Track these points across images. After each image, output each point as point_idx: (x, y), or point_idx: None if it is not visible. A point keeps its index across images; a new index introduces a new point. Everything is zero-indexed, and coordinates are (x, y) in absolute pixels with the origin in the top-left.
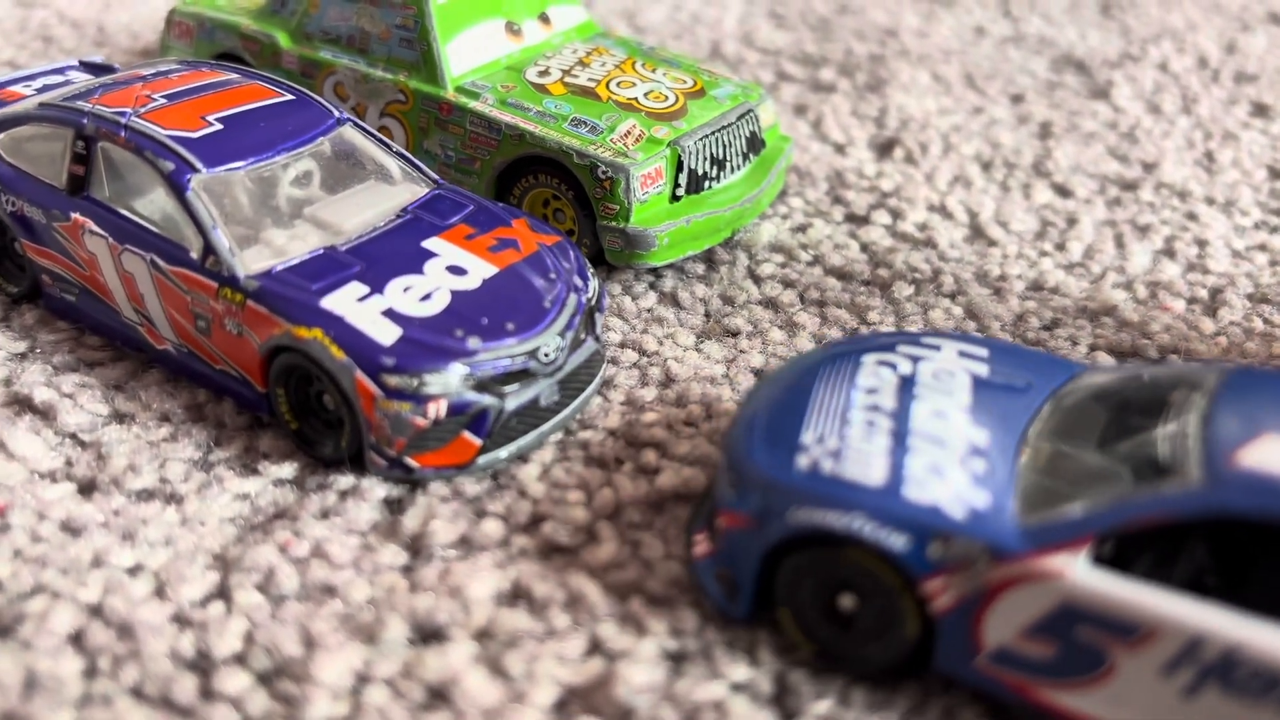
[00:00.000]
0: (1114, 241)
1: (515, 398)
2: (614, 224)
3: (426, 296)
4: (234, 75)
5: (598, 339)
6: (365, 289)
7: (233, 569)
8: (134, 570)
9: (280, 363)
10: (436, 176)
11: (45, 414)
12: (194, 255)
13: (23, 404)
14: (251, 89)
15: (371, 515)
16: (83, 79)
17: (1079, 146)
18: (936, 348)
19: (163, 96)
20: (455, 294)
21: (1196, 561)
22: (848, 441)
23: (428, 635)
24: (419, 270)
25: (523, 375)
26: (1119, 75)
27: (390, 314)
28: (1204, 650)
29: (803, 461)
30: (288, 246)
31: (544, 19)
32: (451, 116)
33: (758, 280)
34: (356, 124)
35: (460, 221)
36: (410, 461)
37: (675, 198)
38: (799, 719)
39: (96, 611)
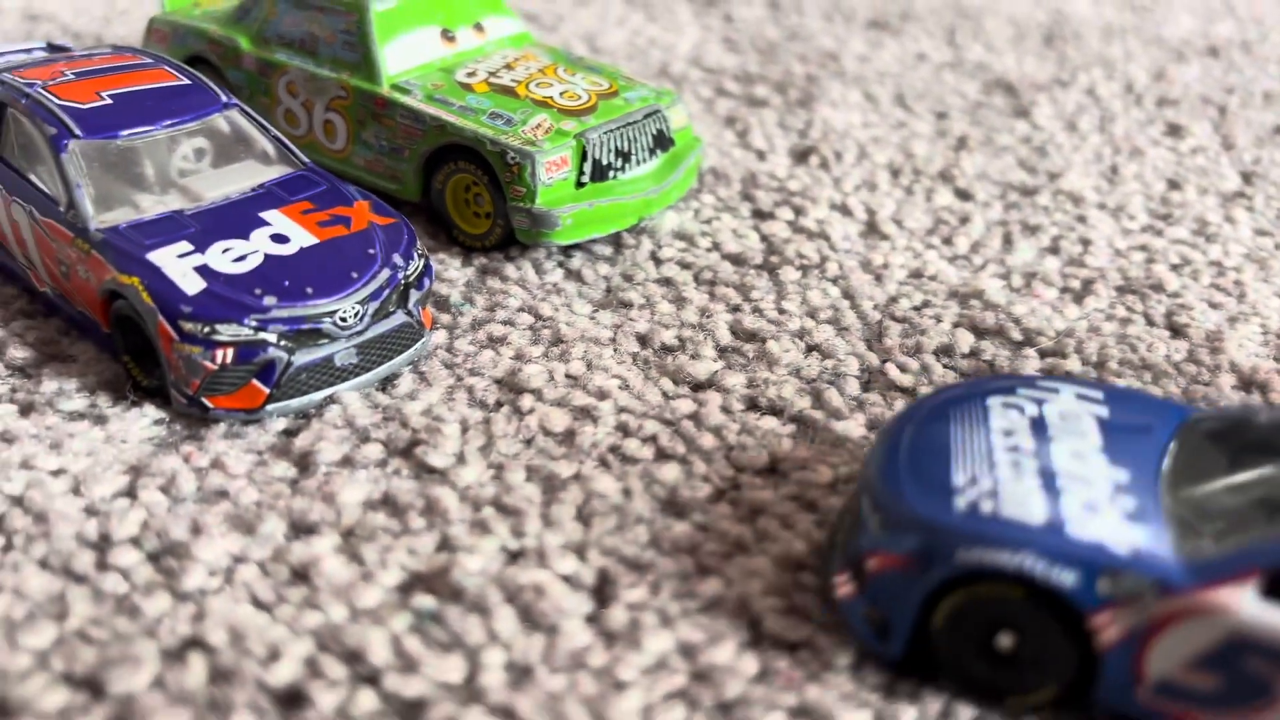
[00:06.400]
0: (1002, 239)
1: (305, 354)
2: (521, 205)
3: (241, 258)
4: (148, 60)
5: (410, 313)
6: (190, 247)
7: (142, 474)
8: (56, 473)
9: (115, 308)
10: (306, 159)
11: None
12: (60, 208)
13: None
14: (155, 73)
15: (269, 439)
16: (44, 57)
17: (989, 158)
18: (1055, 390)
19: (73, 73)
20: (269, 258)
21: None
22: (1000, 483)
23: (301, 531)
24: (245, 236)
25: (316, 335)
26: (1043, 97)
27: (202, 269)
28: None
29: (961, 502)
30: (148, 208)
31: (478, 28)
32: (385, 110)
33: (658, 262)
34: (243, 110)
35: (304, 199)
36: (206, 401)
37: (580, 184)
38: (612, 605)
39: (18, 501)
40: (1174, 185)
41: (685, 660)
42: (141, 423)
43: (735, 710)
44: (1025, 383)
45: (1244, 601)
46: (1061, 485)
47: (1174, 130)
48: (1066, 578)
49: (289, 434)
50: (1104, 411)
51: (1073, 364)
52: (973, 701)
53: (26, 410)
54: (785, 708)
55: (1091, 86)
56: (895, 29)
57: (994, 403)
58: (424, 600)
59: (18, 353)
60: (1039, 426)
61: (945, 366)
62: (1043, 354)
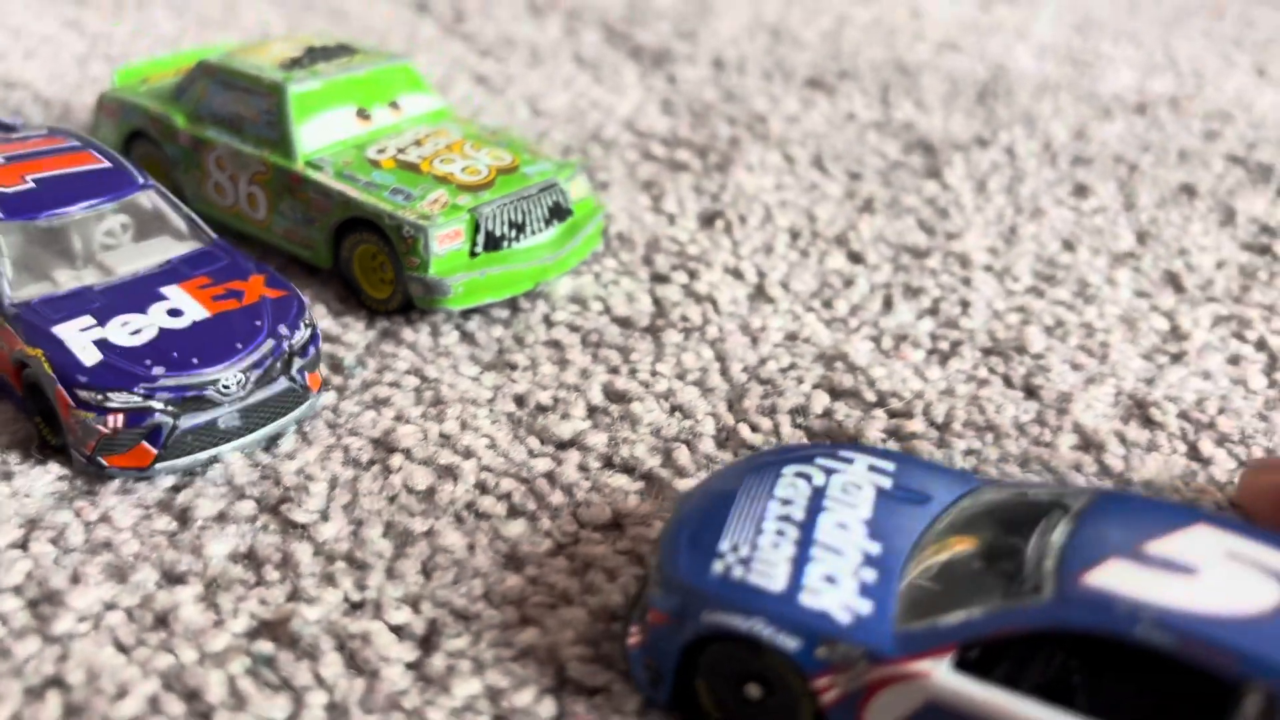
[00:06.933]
0: (882, 301)
1: (190, 418)
2: (416, 274)
3: (137, 331)
4: (76, 143)
5: (293, 379)
6: (92, 321)
7: (36, 527)
8: None
9: (26, 374)
10: (214, 235)
11: None
12: None
13: None
14: (79, 156)
15: (158, 495)
16: None
17: (890, 219)
18: (850, 460)
19: (3, 158)
20: (162, 331)
21: (1054, 668)
22: (758, 550)
23: (171, 580)
24: (143, 310)
25: (200, 401)
26: (959, 157)
27: (100, 343)
28: None
29: (718, 567)
30: (64, 283)
31: (394, 105)
32: (299, 185)
33: (550, 324)
34: (158, 190)
35: (204, 273)
36: (102, 460)
37: (474, 254)
38: (434, 653)
39: None
40: (1068, 246)
41: (490, 703)
42: (45, 479)
43: None
44: (826, 452)
45: (939, 671)
46: (813, 555)
47: (1080, 190)
48: (790, 643)
49: (175, 490)
50: (888, 483)
51: (918, 425)
52: None
53: None
54: None
55: (1011, 145)
56: (830, 87)
57: (787, 471)
58: (263, 645)
59: None
60: (817, 497)
61: (796, 426)
62: (891, 414)
